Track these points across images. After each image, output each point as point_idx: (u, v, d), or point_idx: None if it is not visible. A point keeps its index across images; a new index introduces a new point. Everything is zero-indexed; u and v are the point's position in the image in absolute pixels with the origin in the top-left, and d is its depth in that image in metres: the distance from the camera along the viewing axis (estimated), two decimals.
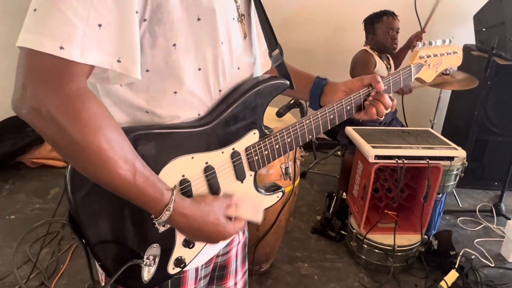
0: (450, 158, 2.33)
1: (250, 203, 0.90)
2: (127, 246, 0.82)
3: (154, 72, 0.78)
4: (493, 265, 2.58)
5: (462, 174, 2.53)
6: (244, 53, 0.91)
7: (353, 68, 3.04)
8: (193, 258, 0.91)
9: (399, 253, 2.44)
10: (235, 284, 1.17)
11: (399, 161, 2.27)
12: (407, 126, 3.36)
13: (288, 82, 0.94)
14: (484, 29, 3.26)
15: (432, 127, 2.98)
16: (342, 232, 2.75)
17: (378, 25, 2.96)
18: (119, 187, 0.71)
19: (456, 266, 2.37)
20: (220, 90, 0.87)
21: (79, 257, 2.45)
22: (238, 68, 0.90)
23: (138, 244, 0.83)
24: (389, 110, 1.04)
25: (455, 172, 2.50)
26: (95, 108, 0.67)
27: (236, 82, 0.90)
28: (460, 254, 2.49)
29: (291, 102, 1.94)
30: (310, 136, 0.97)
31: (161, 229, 0.84)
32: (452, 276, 2.32)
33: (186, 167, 0.83)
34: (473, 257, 2.57)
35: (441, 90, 3.00)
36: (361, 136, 2.49)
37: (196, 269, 0.99)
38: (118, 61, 0.69)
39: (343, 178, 3.01)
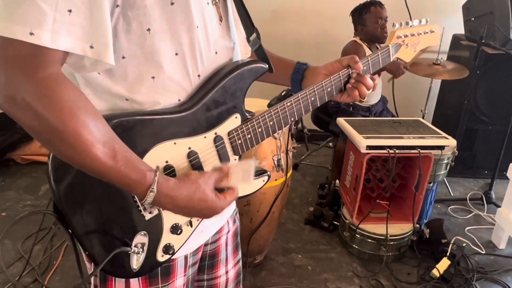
0: (441, 147, 2.35)
1: (239, 169, 0.91)
2: (114, 235, 0.82)
3: (130, 58, 0.78)
4: (484, 252, 2.61)
5: (453, 163, 2.55)
6: (221, 37, 0.91)
7: None
8: (182, 245, 0.91)
9: (392, 242, 2.46)
10: (227, 272, 1.17)
11: (391, 151, 2.29)
12: (397, 117, 3.38)
13: (267, 66, 0.95)
14: (473, 19, 3.28)
15: (423, 117, 3.00)
16: (335, 222, 2.76)
17: (367, 15, 2.97)
18: (100, 170, 0.70)
19: (447, 254, 2.40)
20: (199, 75, 0.87)
21: (72, 253, 2.41)
22: (216, 53, 0.90)
23: (125, 232, 0.83)
24: (370, 90, 1.06)
25: (445, 161, 2.51)
26: (70, 92, 0.67)
27: (215, 66, 0.90)
28: (452, 242, 2.51)
29: (282, 93, 1.93)
30: (292, 119, 0.98)
31: (148, 216, 0.84)
32: (444, 263, 2.35)
33: (169, 153, 0.83)
34: (464, 244, 2.60)
35: (431, 80, 3.01)
36: (352, 127, 2.50)
37: (186, 257, 0.99)
38: (91, 47, 0.69)
39: (335, 169, 3.02)
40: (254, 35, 0.99)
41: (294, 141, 2.29)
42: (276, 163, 2.10)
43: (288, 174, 2.20)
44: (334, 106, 3.06)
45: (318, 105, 1.02)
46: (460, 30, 3.46)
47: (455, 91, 3.41)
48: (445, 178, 3.07)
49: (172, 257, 0.91)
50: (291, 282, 2.34)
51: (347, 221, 2.56)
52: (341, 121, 2.63)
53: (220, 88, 0.87)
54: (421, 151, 2.31)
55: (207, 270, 1.13)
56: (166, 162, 0.83)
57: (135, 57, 0.78)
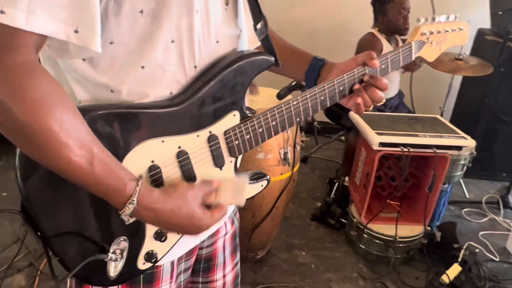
0: (459, 148, 2.23)
1: (231, 186, 0.82)
2: (89, 240, 0.74)
3: (119, 44, 0.69)
4: (497, 259, 2.49)
5: (470, 164, 2.42)
6: (226, 24, 0.81)
7: (358, 52, 2.90)
8: (166, 253, 0.83)
9: (401, 244, 2.36)
10: (224, 276, 1.10)
11: (405, 149, 2.17)
12: (414, 112, 3.24)
13: (272, 59, 0.85)
14: (500, 13, 3.10)
15: (441, 114, 2.86)
16: (342, 220, 2.67)
17: (390, 5, 2.82)
18: (74, 175, 0.63)
19: (459, 260, 2.29)
20: (195, 66, 0.78)
21: None
22: (217, 42, 0.80)
23: (103, 237, 0.75)
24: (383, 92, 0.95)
25: (462, 162, 2.38)
26: (44, 84, 0.59)
27: (215, 57, 0.81)
28: (464, 247, 2.39)
29: (293, 83, 1.83)
30: (298, 119, 0.88)
31: (129, 220, 0.76)
32: (454, 270, 2.24)
33: (155, 151, 0.75)
34: (477, 250, 2.48)
35: (453, 76, 2.86)
36: (365, 121, 2.39)
37: (172, 263, 0.91)
38: (76, 31, 0.60)
39: (346, 164, 2.91)
40: (262, 23, 0.89)
41: (303, 134, 2.19)
42: (282, 157, 2.00)
43: (295, 169, 2.10)
44: None
45: (328, 105, 0.93)
46: (486, 24, 3.29)
47: (477, 88, 3.26)
48: (461, 179, 2.94)
49: (156, 264, 0.83)
50: (292, 280, 2.26)
51: (355, 219, 2.46)
52: (354, 115, 2.51)
53: (218, 81, 0.78)
54: (437, 150, 2.19)
55: (202, 273, 1.06)
56: (152, 162, 0.75)
57: (125, 43, 0.69)
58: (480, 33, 3.31)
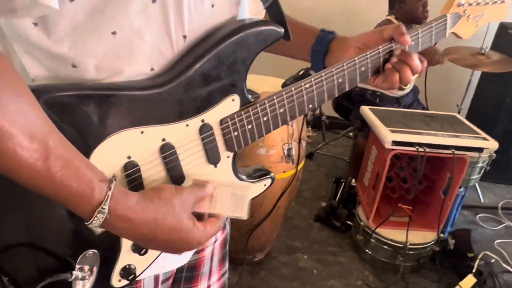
0: (479, 150, 2.04)
1: (229, 193, 0.67)
2: (49, 254, 0.60)
3: (82, 1, 0.53)
4: None
5: (488, 168, 2.24)
6: None
7: None
8: (147, 268, 0.69)
9: (411, 252, 2.19)
10: (209, 286, 0.97)
11: (420, 149, 1.99)
12: (428, 110, 3.05)
13: (282, 29, 0.68)
14: None
15: (458, 113, 2.67)
16: (348, 222, 2.50)
17: None
18: (23, 175, 0.48)
19: (473, 270, 2.13)
20: (184, 36, 0.63)
21: None
22: (213, 6, 0.65)
23: (66, 251, 0.61)
24: (416, 75, 0.81)
25: (480, 165, 2.21)
26: None
27: (209, 26, 0.66)
28: (479, 257, 2.22)
29: (300, 73, 1.65)
30: (310, 106, 0.74)
31: (99, 230, 0.61)
32: (468, 281, 2.08)
33: (133, 145, 0.61)
34: (493, 260, 2.31)
35: (473, 71, 2.67)
36: (378, 117, 2.21)
37: (156, 277, 0.77)
38: None
39: (354, 163, 2.74)
40: None
41: (310, 128, 2.02)
42: (286, 153, 1.83)
43: (299, 166, 1.93)
44: (358, 94, 2.76)
45: (346, 90, 0.79)
46: (509, 18, 3.08)
47: (496, 86, 3.07)
48: (476, 183, 2.77)
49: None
50: (292, 286, 2.11)
51: (362, 222, 2.30)
52: (366, 110, 2.33)
53: (214, 56, 0.64)
54: (456, 151, 2.00)
55: (184, 282, 0.92)
56: (129, 158, 0.61)
57: (90, 1, 0.53)
58: (503, 27, 3.11)
